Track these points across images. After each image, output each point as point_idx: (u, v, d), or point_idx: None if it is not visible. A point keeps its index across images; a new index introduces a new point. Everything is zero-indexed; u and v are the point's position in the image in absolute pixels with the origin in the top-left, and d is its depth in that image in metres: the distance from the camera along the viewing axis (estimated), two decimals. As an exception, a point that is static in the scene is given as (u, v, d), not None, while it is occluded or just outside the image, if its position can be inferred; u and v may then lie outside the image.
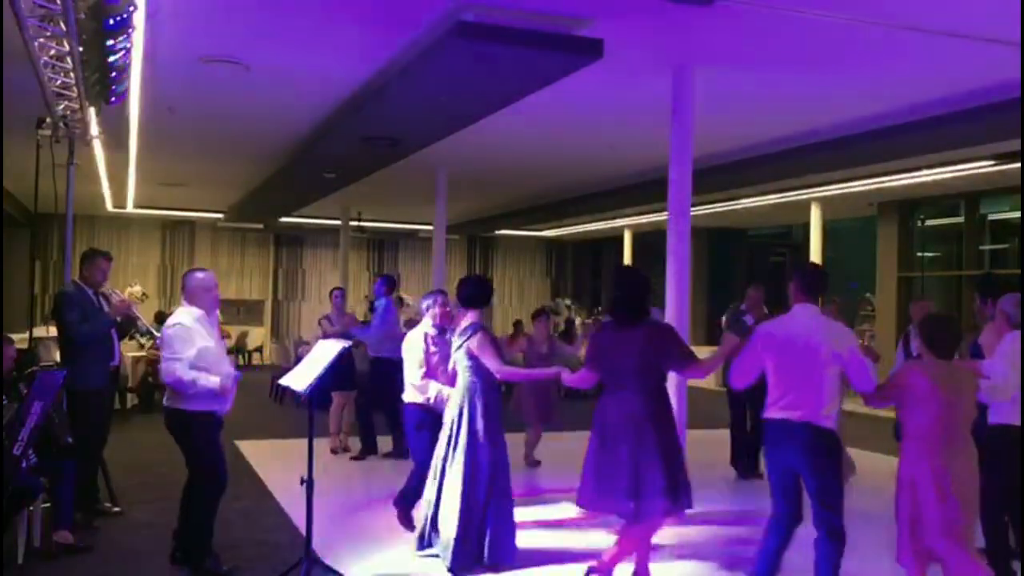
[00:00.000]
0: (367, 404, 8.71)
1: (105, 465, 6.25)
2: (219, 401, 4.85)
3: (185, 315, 4.85)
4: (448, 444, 5.09)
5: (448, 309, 5.77)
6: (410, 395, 5.71)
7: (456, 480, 4.98)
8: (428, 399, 5.58)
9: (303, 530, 4.81)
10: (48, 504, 5.35)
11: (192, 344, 4.72)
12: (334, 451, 8.80)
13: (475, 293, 5.23)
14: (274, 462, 8.19)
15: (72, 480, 5.37)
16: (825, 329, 4.20)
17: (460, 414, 5.06)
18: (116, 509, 6.17)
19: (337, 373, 8.68)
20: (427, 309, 5.76)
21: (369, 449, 8.61)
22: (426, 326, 5.72)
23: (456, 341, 5.15)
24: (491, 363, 5.02)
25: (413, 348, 5.67)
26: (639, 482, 4.32)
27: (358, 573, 5.08)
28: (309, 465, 4.71)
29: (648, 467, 4.32)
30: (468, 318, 5.14)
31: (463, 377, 5.12)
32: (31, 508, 5.13)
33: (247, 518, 6.27)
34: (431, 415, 5.58)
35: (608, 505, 4.53)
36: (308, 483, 4.66)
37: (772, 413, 4.21)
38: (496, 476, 5.03)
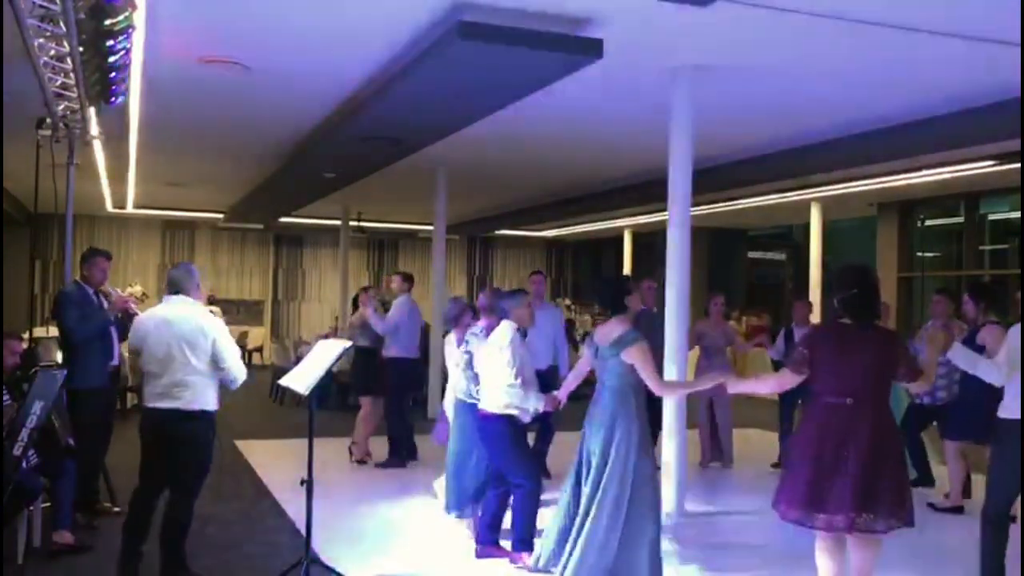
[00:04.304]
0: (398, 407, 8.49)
1: (105, 465, 6.25)
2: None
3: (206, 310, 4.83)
4: (599, 475, 4.55)
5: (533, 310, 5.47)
6: (495, 404, 5.20)
7: (644, 527, 4.50)
8: (528, 410, 5.15)
9: (303, 530, 4.81)
10: (48, 504, 5.35)
11: None
12: (362, 461, 8.47)
13: (621, 296, 4.81)
14: (274, 462, 8.20)
15: (72, 480, 5.38)
16: None
17: (613, 437, 4.55)
18: (116, 509, 6.16)
19: (367, 375, 8.68)
20: (511, 309, 5.34)
21: (401, 459, 8.36)
22: (510, 327, 5.25)
23: (606, 349, 4.64)
24: (651, 378, 4.59)
25: (504, 349, 5.15)
26: (871, 497, 3.96)
27: (358, 573, 5.08)
28: (309, 465, 4.71)
29: (887, 481, 4.02)
30: (619, 325, 4.69)
31: (615, 392, 4.62)
32: (31, 508, 5.13)
33: (247, 518, 6.28)
34: (519, 428, 5.25)
35: (825, 520, 4.03)
36: (308, 483, 4.66)
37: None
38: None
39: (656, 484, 4.74)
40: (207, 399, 4.63)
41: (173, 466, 4.68)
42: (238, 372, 4.69)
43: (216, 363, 4.62)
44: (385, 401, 8.50)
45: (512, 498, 5.29)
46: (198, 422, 4.61)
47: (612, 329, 4.69)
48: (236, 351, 4.74)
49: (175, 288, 4.75)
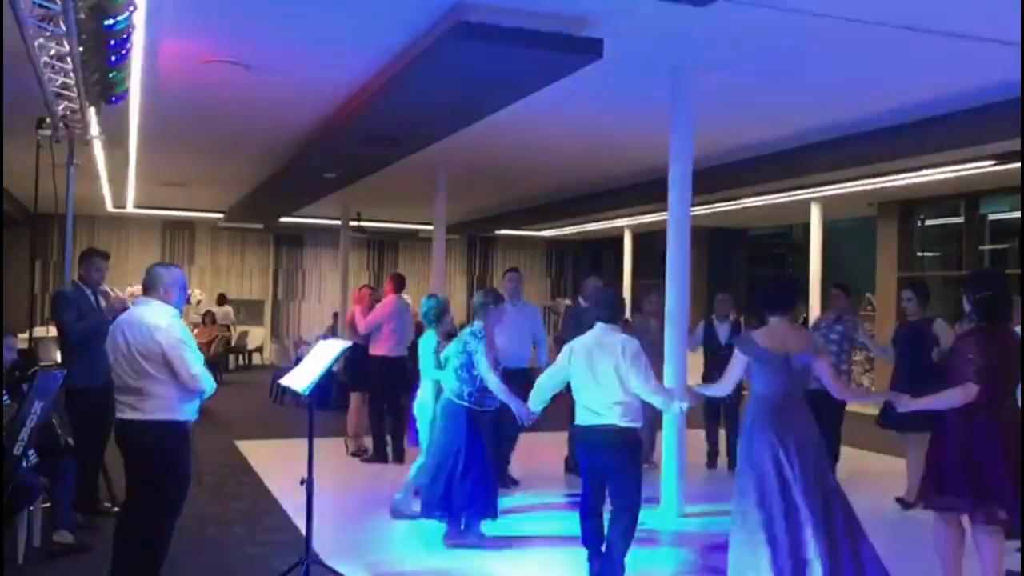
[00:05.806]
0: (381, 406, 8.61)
1: (105, 465, 6.25)
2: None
3: (175, 315, 4.37)
4: (816, 495, 4.18)
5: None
6: (623, 418, 4.66)
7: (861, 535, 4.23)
8: (674, 411, 4.97)
9: (303, 530, 4.81)
10: (48, 504, 5.35)
11: None
12: (355, 454, 8.76)
13: (786, 295, 4.63)
14: (274, 462, 8.19)
15: (72, 480, 5.38)
16: None
17: (819, 450, 4.26)
18: (116, 509, 6.15)
19: (356, 372, 8.82)
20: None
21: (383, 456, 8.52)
22: (616, 329, 4.85)
23: (800, 357, 4.33)
24: (836, 382, 4.42)
25: (636, 357, 4.67)
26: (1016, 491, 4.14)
27: (358, 573, 5.08)
28: (309, 465, 4.71)
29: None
30: (800, 328, 4.46)
31: (806, 401, 4.34)
32: (31, 508, 5.13)
33: (247, 518, 6.28)
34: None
35: (984, 514, 4.21)
36: (308, 483, 4.66)
37: None
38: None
39: None
40: (171, 408, 4.23)
41: (146, 480, 4.30)
42: (194, 384, 4.23)
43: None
44: (369, 398, 8.67)
45: (617, 521, 4.70)
46: (162, 433, 4.23)
47: (795, 334, 4.41)
48: (193, 360, 4.23)
49: (145, 289, 4.43)
